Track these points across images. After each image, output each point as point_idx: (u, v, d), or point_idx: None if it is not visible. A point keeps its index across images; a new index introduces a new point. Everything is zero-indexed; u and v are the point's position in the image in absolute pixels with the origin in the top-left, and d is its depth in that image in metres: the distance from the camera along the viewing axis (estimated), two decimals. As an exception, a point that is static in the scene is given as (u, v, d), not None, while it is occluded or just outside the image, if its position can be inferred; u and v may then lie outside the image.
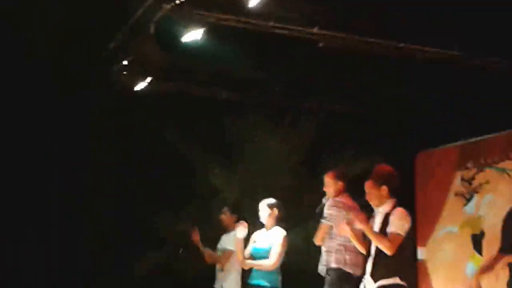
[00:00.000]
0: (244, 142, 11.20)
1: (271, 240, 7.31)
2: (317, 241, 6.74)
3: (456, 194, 9.26)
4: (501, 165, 8.54)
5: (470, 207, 9.03)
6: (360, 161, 10.99)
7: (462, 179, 9.19)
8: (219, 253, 8.39)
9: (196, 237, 8.60)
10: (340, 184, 6.67)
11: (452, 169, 9.41)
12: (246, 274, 8.15)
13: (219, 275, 8.30)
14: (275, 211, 7.33)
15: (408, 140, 10.21)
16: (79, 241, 10.37)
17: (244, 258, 7.39)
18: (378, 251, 5.70)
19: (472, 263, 8.81)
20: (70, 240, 10.27)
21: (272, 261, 7.17)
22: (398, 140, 10.36)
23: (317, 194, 8.03)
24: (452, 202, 9.31)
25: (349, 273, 6.41)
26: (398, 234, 5.63)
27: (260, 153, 11.16)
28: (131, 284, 10.92)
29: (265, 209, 7.45)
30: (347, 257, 6.41)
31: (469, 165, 9.14)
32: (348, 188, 8.87)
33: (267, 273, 7.26)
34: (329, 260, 6.54)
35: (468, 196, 9.09)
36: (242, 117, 11.02)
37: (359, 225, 5.77)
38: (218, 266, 8.31)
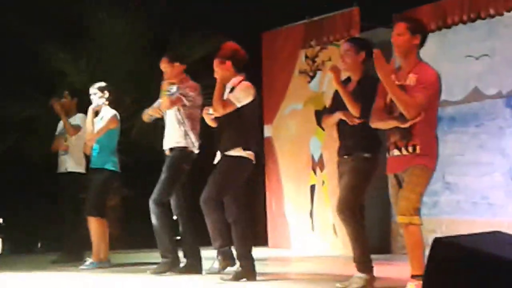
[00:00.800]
0: (92, 25, 10.98)
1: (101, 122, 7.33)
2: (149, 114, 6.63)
3: (301, 72, 9.49)
4: (342, 42, 8.78)
5: (314, 84, 9.31)
6: (208, 41, 11.05)
7: (306, 57, 9.41)
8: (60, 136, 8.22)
9: (57, 105, 8.10)
10: (176, 65, 6.61)
11: (297, 47, 9.57)
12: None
13: (61, 159, 8.14)
14: (106, 94, 7.27)
15: (255, 19, 10.26)
16: None
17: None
18: (222, 124, 5.81)
19: (316, 138, 9.18)
20: None
21: (92, 134, 7.22)
22: (245, 19, 10.39)
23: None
24: (297, 80, 9.55)
25: (191, 151, 6.46)
26: (231, 102, 5.72)
27: (108, 36, 10.99)
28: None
29: (96, 92, 7.39)
30: (193, 136, 6.44)
31: (312, 43, 9.35)
32: (194, 68, 8.90)
33: (105, 157, 7.30)
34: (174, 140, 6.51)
35: (312, 74, 9.35)
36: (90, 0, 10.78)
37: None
38: (61, 149, 8.13)
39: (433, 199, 7.99)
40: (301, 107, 9.48)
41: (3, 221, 13.40)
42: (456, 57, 7.99)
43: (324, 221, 8.91)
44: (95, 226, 7.27)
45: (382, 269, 6.39)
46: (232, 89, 5.84)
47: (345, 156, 5.31)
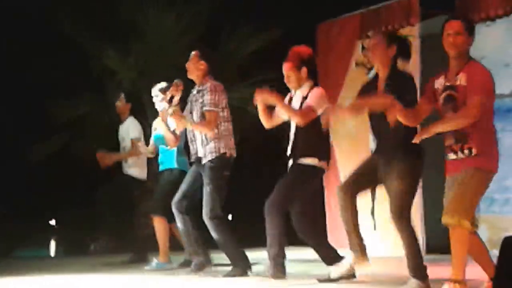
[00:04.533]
0: (139, 21, 10.91)
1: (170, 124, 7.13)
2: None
3: (358, 64, 9.21)
4: (402, 31, 8.41)
5: (372, 76, 8.99)
6: (260, 36, 10.88)
7: (363, 48, 9.09)
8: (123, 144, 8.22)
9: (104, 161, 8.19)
10: (202, 64, 6.25)
11: (353, 38, 9.29)
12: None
13: (124, 164, 8.15)
14: (168, 94, 7.00)
15: (308, 11, 10.10)
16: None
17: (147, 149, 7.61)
18: (296, 132, 5.68)
19: (376, 133, 8.87)
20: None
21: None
22: (298, 12, 10.25)
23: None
24: (353, 72, 9.25)
25: (229, 157, 6.21)
26: (313, 109, 5.59)
27: (156, 32, 10.90)
28: (28, 170, 10.75)
29: (158, 94, 7.21)
30: (225, 142, 6.17)
31: (369, 33, 8.99)
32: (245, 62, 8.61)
33: (175, 156, 7.21)
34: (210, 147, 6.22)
35: (369, 65, 9.02)
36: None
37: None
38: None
39: (505, 196, 7.65)
40: (358, 100, 9.16)
41: (56, 223, 13.42)
42: (525, 43, 7.62)
43: (386, 221, 8.51)
44: (158, 226, 7.20)
45: (449, 270, 6.06)
46: (304, 98, 5.68)
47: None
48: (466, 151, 4.56)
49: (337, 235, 9.33)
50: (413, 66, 8.19)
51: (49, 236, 13.27)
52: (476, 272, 5.61)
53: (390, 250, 8.39)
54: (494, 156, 4.63)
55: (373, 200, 8.69)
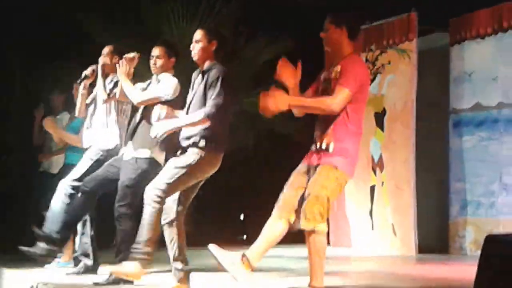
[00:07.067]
0: (164, 33, 11.12)
1: None
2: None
3: (360, 75, 9.64)
4: (401, 46, 8.98)
5: (374, 87, 9.41)
6: (274, 46, 11.11)
7: (366, 61, 9.53)
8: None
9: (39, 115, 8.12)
10: (116, 59, 6.08)
11: (357, 51, 9.75)
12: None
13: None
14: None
15: (313, 23, 10.39)
16: None
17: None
18: (139, 120, 5.62)
19: (376, 139, 9.37)
20: None
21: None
22: (303, 24, 10.52)
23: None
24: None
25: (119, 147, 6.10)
26: (155, 97, 5.46)
27: (179, 42, 11.11)
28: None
29: None
30: (120, 133, 6.14)
31: (372, 47, 9.53)
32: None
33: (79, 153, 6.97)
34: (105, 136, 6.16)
35: (371, 77, 9.49)
36: (159, 4, 10.92)
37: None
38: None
39: (490, 200, 8.10)
40: (361, 109, 9.61)
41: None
42: (512, 60, 8.10)
43: (384, 221, 9.09)
44: None
45: (439, 269, 6.55)
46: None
47: None
48: (324, 145, 4.33)
49: (339, 234, 9.91)
50: (411, 78, 8.80)
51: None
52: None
53: (388, 248, 8.91)
54: (352, 161, 4.39)
55: (371, 201, 9.29)
